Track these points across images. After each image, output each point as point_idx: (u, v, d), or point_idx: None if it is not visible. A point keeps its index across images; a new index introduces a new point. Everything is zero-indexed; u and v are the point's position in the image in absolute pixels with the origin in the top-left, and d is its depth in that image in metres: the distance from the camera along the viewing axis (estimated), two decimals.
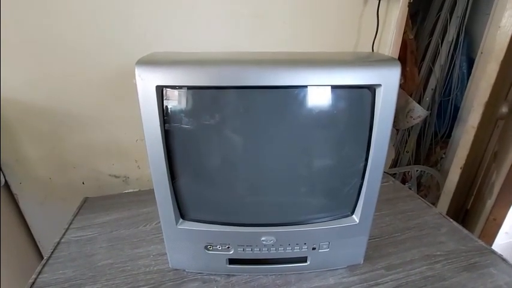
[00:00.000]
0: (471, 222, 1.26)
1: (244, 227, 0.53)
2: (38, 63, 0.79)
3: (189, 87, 0.43)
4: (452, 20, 1.50)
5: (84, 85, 0.84)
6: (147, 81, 0.42)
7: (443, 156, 1.68)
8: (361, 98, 0.46)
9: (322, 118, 0.47)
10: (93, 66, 0.82)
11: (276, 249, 0.54)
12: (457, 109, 1.57)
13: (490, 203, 1.07)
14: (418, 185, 1.71)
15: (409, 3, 1.07)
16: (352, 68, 0.43)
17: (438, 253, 0.66)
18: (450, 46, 1.53)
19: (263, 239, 0.53)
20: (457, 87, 1.61)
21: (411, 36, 1.51)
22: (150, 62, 0.42)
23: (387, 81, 0.43)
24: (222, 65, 0.42)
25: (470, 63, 1.53)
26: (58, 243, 0.69)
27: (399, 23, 1.06)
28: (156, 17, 0.81)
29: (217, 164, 0.51)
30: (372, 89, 0.44)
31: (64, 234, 0.72)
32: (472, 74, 1.46)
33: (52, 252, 0.67)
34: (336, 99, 0.46)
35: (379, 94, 0.44)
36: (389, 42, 1.10)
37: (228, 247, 0.54)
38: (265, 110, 0.46)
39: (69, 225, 0.75)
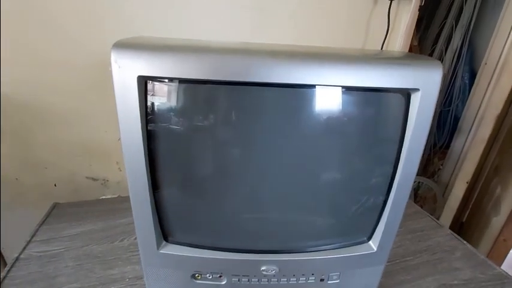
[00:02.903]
0: (466, 236, 1.22)
1: (241, 254, 0.44)
2: (7, 48, 0.68)
3: (181, 81, 0.34)
4: (457, 29, 1.46)
5: (60, 75, 0.74)
6: (126, 70, 0.32)
7: (441, 167, 1.64)
8: (392, 104, 0.38)
9: (343, 127, 0.39)
10: (71, 54, 0.73)
11: (277, 281, 0.45)
12: (457, 120, 1.53)
13: (496, 220, 1.02)
14: (415, 196, 1.66)
15: (420, 6, 1.01)
16: (386, 67, 0.35)
17: (455, 282, 0.59)
18: (454, 55, 1.49)
19: (263, 268, 0.44)
20: (458, 97, 1.58)
21: (415, 43, 1.46)
22: (132, 45, 0.33)
23: (426, 85, 0.35)
24: (225, 54, 0.33)
25: (472, 74, 1.50)
26: (16, 259, 0.59)
27: (409, 26, 1.00)
28: (147, 3, 0.72)
29: (210, 175, 0.42)
30: (406, 93, 0.36)
31: (25, 248, 0.61)
32: (474, 85, 1.42)
33: (8, 271, 0.56)
34: (362, 104, 0.38)
35: (415, 100, 0.36)
36: (397, 45, 1.04)
37: (220, 276, 0.45)
38: (274, 113, 0.38)
39: (31, 238, 0.64)
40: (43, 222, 0.70)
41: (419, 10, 1.02)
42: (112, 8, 0.70)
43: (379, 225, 0.44)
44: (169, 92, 0.35)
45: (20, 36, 0.68)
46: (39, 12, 0.67)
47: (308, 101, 0.37)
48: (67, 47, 0.71)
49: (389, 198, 0.42)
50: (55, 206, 0.76)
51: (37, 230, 0.67)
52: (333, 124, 0.39)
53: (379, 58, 0.39)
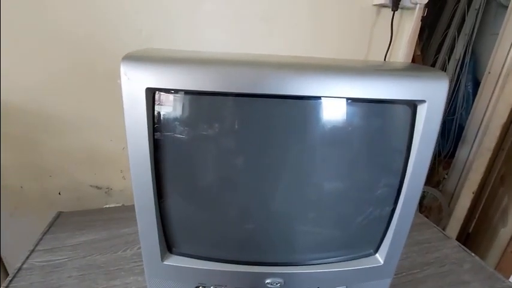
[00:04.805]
0: (473, 247, 1.20)
1: (245, 266, 0.43)
2: (13, 58, 0.69)
3: (189, 93, 0.34)
4: (460, 37, 1.47)
5: (66, 85, 0.75)
6: (135, 82, 0.33)
7: (446, 176, 1.62)
8: (399, 116, 0.38)
9: (350, 139, 0.39)
10: (78, 64, 0.73)
11: None
12: (461, 129, 1.52)
13: (504, 231, 1.00)
14: (420, 206, 1.64)
15: (422, 17, 1.02)
16: (393, 79, 0.35)
17: None
18: (457, 64, 1.50)
19: (268, 281, 0.43)
20: (462, 106, 1.57)
21: (418, 52, 1.47)
22: (140, 58, 0.33)
23: (433, 97, 0.35)
24: (232, 66, 0.34)
25: (476, 83, 1.50)
26: (19, 269, 0.58)
27: (412, 36, 1.01)
28: (155, 13, 0.73)
29: (216, 187, 0.42)
30: (412, 105, 0.36)
31: (28, 257, 0.61)
32: (478, 94, 1.42)
33: (10, 281, 0.55)
34: (369, 116, 0.38)
35: (422, 112, 0.36)
36: (400, 55, 1.04)
37: None
38: (280, 125, 0.38)
39: (35, 247, 0.64)
40: (47, 231, 0.69)
41: (421, 20, 1.03)
42: (120, 17, 0.71)
43: (386, 238, 0.44)
44: (176, 104, 0.35)
45: (26, 41, 0.69)
46: (45, 18, 0.67)
47: (317, 113, 0.37)
48: (73, 54, 0.72)
49: (396, 210, 0.41)
50: (59, 215, 0.76)
51: (40, 240, 0.66)
52: (340, 136, 0.39)
53: (386, 70, 0.40)
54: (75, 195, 0.88)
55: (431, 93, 0.35)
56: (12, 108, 0.74)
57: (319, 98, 0.35)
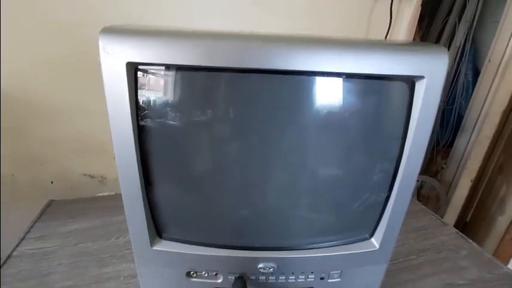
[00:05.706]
0: (471, 235, 1.19)
1: (237, 251, 0.42)
2: (2, 46, 0.67)
3: (172, 67, 0.32)
4: (460, 25, 1.44)
5: (55, 69, 0.73)
6: (114, 57, 0.31)
7: (444, 166, 1.61)
8: (396, 93, 0.36)
9: (344, 118, 0.37)
10: (68, 51, 0.71)
11: (275, 279, 0.43)
12: (460, 118, 1.50)
13: (501, 219, 0.99)
14: (418, 196, 1.64)
15: (422, 2, 1.00)
16: (390, 53, 0.33)
17: (461, 282, 0.57)
18: (457, 52, 1.47)
19: (261, 266, 0.42)
20: (461, 95, 1.55)
21: (418, 40, 1.44)
22: (120, 30, 0.31)
23: (432, 73, 0.33)
24: (219, 38, 0.32)
25: (476, 72, 1.48)
26: (8, 256, 0.57)
27: (411, 22, 0.98)
28: (147, 1, 0.71)
29: (206, 170, 0.40)
30: (410, 82, 0.35)
31: (18, 245, 0.60)
32: (478, 82, 1.40)
33: None
34: (364, 94, 0.36)
35: (420, 89, 0.34)
36: None
37: (216, 274, 0.43)
38: (271, 103, 0.36)
39: (25, 235, 0.63)
40: (37, 219, 0.68)
41: (421, 5, 1.00)
42: (111, 4, 0.69)
43: (381, 222, 0.42)
44: (159, 80, 0.33)
45: (17, 29, 0.67)
46: (36, 5, 0.66)
47: (307, 90, 0.36)
48: (64, 41, 0.70)
49: (392, 193, 0.40)
50: (50, 203, 0.75)
51: (31, 227, 0.65)
52: (333, 116, 0.37)
53: (383, 44, 0.38)
54: (68, 185, 0.87)
55: (430, 69, 0.33)
56: (2, 97, 0.72)
57: (311, 73, 0.34)
